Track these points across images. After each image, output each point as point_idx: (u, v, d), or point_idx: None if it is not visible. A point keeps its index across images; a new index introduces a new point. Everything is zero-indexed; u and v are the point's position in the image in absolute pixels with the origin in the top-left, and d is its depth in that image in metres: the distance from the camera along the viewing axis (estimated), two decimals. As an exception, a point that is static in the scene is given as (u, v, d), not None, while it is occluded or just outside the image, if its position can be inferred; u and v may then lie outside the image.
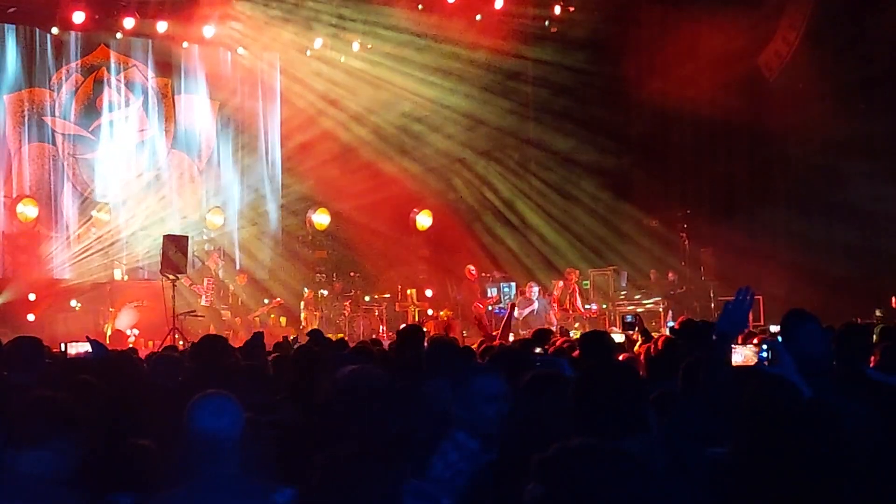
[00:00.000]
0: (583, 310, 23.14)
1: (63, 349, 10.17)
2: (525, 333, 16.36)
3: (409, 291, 25.26)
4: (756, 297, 21.76)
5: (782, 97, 23.66)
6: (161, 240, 21.33)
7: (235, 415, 4.66)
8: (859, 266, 20.91)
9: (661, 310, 23.19)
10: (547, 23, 25.87)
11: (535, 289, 22.70)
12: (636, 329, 13.21)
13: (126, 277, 23.74)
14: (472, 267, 24.43)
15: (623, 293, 24.48)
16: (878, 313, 18.52)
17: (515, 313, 20.47)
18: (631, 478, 3.05)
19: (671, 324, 19.34)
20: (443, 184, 26.87)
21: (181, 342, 17.80)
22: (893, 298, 19.52)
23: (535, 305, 22.25)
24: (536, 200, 27.35)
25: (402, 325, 10.22)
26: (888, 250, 20.94)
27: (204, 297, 22.17)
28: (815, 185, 22.95)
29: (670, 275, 24.21)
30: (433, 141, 26.59)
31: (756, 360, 5.52)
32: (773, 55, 24.35)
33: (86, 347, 9.08)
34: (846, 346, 6.50)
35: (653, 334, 11.50)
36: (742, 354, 5.65)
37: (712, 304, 22.92)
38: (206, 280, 22.68)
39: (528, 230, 27.28)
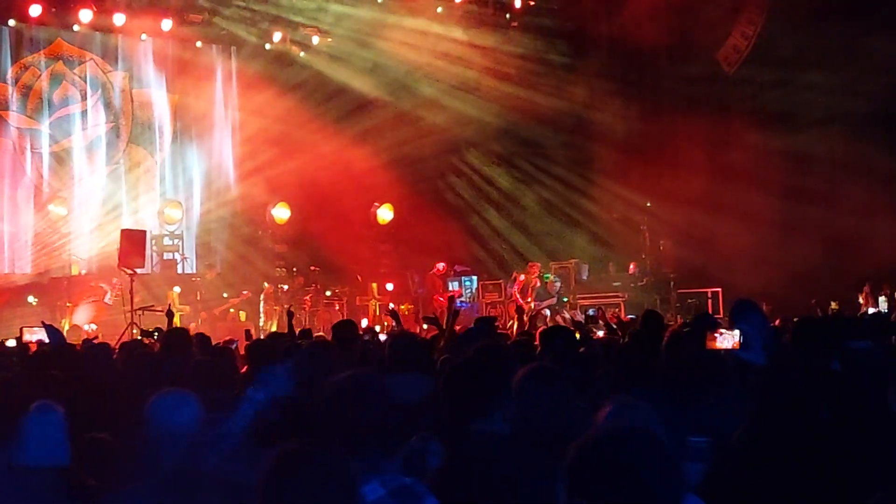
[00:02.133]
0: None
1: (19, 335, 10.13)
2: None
3: (371, 285, 25.23)
4: (716, 289, 22.12)
5: (742, 90, 23.87)
6: (118, 234, 21.20)
7: (194, 411, 4.61)
8: (819, 260, 20.98)
9: (621, 302, 23.24)
10: (508, 15, 25.91)
11: (557, 284, 22.86)
12: (599, 322, 13.23)
13: (83, 272, 23.55)
14: (441, 263, 24.49)
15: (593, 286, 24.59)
16: (833, 306, 18.62)
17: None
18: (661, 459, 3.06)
19: (632, 316, 19.38)
20: (404, 176, 26.74)
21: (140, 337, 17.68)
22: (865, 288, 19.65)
23: (554, 301, 22.46)
24: (498, 194, 27.37)
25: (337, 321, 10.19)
26: (845, 248, 21.00)
27: (109, 294, 21.86)
28: (777, 181, 23.08)
29: (632, 267, 24.29)
30: (393, 133, 26.50)
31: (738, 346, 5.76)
32: (732, 49, 24.56)
33: (41, 335, 9.02)
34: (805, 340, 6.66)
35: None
36: (730, 340, 5.85)
37: (672, 296, 23.05)
38: (114, 279, 22.42)
39: (491, 223, 27.29)
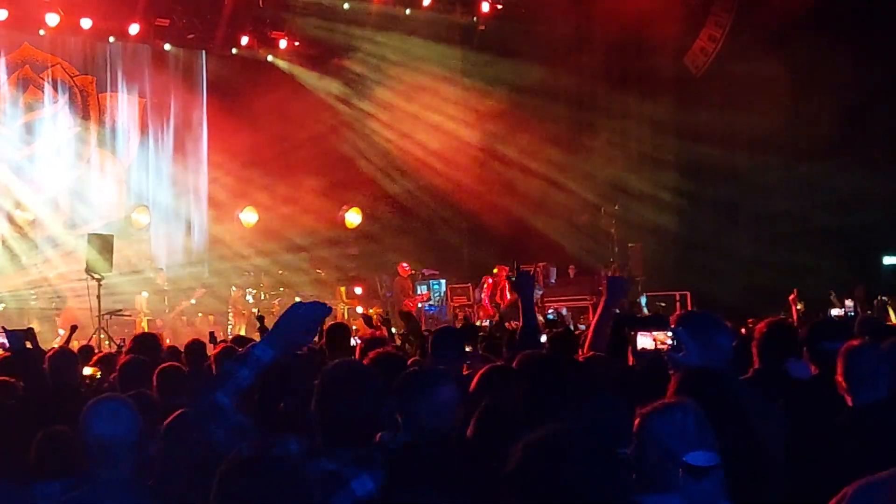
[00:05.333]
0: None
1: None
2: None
3: (339, 289, 25.16)
4: (684, 292, 22.08)
5: (709, 94, 23.91)
6: (86, 239, 21.10)
7: (130, 420, 4.56)
8: (781, 268, 21.02)
9: (589, 305, 23.24)
10: (475, 18, 25.97)
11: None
12: (559, 326, 13.21)
13: (51, 276, 23.42)
14: (405, 264, 24.43)
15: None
16: (799, 307, 18.60)
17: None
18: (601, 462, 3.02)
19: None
20: (372, 180, 26.72)
21: (108, 342, 17.64)
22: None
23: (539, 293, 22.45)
24: (465, 196, 27.31)
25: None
26: (812, 253, 21.02)
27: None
28: (741, 182, 23.18)
29: (602, 271, 24.27)
30: (361, 137, 26.49)
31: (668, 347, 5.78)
32: (699, 52, 24.62)
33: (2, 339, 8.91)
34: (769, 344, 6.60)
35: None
36: (649, 340, 5.86)
37: (642, 300, 23.05)
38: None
39: (458, 226, 27.26)
